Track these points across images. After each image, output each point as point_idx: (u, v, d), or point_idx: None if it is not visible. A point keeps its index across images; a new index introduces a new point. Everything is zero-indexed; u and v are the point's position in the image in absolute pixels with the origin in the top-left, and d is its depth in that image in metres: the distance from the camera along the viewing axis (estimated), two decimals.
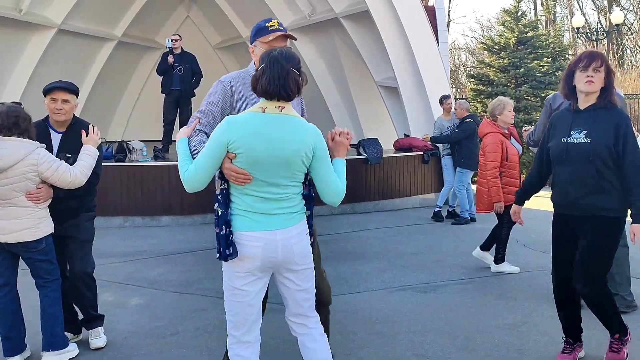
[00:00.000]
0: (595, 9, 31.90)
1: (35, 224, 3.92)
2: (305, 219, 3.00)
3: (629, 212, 3.74)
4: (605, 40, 23.55)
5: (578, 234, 3.84)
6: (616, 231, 3.78)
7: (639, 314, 4.97)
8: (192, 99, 11.07)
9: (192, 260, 7.16)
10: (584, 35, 22.40)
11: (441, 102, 10.22)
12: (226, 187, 2.90)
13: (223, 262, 2.92)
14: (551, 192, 3.98)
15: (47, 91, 4.10)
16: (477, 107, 18.63)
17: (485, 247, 6.62)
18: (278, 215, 2.86)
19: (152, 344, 4.50)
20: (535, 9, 32.31)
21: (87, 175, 4.02)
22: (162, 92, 10.95)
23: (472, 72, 23.40)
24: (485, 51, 20.86)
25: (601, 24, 29.00)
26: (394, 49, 11.53)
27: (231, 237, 2.84)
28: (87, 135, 4.15)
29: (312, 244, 3.05)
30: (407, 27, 11.30)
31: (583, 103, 3.80)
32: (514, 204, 4.27)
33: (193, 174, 2.85)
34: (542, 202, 11.23)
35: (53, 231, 4.05)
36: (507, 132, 6.46)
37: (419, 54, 11.39)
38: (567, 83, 3.88)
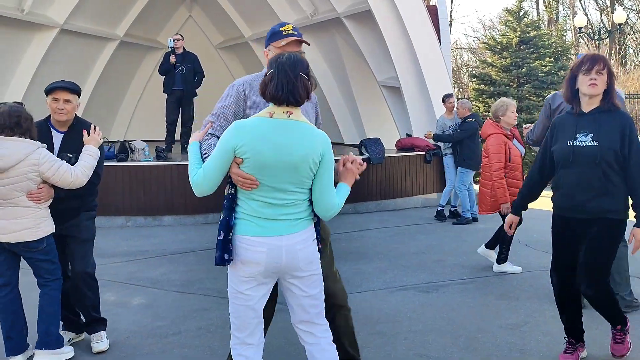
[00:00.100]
0: (597, 8, 31.89)
1: (36, 223, 3.91)
2: (313, 225, 2.97)
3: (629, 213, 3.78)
4: (607, 39, 23.52)
5: (580, 236, 3.83)
6: (620, 233, 3.81)
7: (639, 313, 4.96)
8: (194, 98, 11.08)
9: (194, 260, 7.16)
10: (586, 35, 22.39)
11: (444, 101, 10.21)
12: (233, 192, 2.90)
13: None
14: (552, 195, 3.96)
15: (48, 91, 4.09)
16: (479, 107, 18.61)
17: (490, 245, 6.61)
18: (283, 221, 2.84)
19: (154, 344, 4.51)
20: (537, 8, 32.30)
21: (88, 176, 4.01)
22: (164, 92, 10.96)
23: (474, 72, 23.39)
24: (488, 51, 20.85)
25: (603, 24, 28.98)
26: (396, 48, 11.52)
27: (230, 243, 2.85)
28: (88, 136, 4.14)
29: (320, 250, 3.02)
30: (409, 27, 11.29)
31: (587, 106, 3.80)
32: (510, 214, 4.19)
33: (202, 178, 2.87)
34: (544, 202, 11.23)
35: (54, 231, 4.05)
36: (509, 133, 6.46)
37: (421, 53, 11.38)
38: (569, 87, 3.87)
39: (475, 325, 4.84)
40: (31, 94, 11.46)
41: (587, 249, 3.78)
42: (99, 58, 14.29)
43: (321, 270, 3.02)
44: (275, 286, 3.07)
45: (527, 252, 7.37)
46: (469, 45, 36.58)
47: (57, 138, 4.17)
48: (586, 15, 30.11)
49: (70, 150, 4.12)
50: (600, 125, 3.72)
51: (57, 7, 12.29)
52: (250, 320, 2.95)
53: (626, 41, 30.11)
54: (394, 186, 10.89)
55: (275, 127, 2.77)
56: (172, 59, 10.60)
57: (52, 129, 4.18)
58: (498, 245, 6.52)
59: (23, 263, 4.07)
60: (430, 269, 6.61)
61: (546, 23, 29.78)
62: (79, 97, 4.21)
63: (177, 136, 11.20)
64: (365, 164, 3.11)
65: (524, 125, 5.81)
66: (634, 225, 3.71)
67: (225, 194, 2.92)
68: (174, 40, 10.68)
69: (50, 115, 4.18)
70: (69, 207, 4.13)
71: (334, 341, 3.42)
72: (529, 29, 18.73)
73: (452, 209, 9.82)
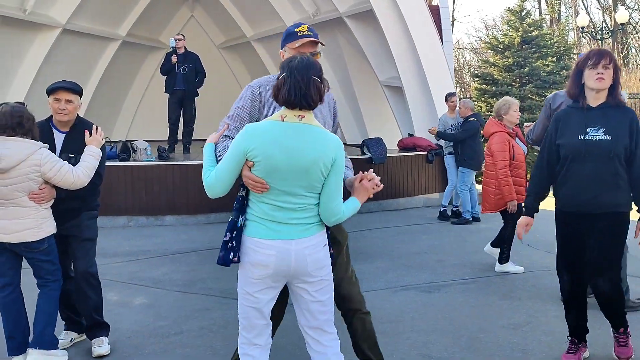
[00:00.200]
0: (600, 8, 31.84)
1: (37, 224, 3.91)
2: (324, 230, 2.95)
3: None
4: (610, 39, 23.48)
5: (585, 232, 3.83)
6: (627, 225, 3.87)
7: (639, 314, 4.95)
8: (195, 98, 11.08)
9: (196, 259, 7.16)
10: (588, 35, 22.36)
11: (446, 100, 10.20)
12: (244, 194, 2.90)
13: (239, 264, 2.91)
14: (557, 191, 3.91)
15: (50, 91, 4.09)
16: (481, 107, 18.61)
17: (496, 244, 6.61)
18: (294, 225, 2.83)
19: (156, 344, 4.51)
20: (539, 8, 32.27)
21: (89, 176, 4.00)
22: (165, 92, 10.97)
23: (476, 72, 23.38)
24: (490, 50, 20.83)
25: (606, 23, 28.94)
26: (398, 48, 11.51)
27: (234, 244, 2.86)
28: (90, 136, 4.13)
29: (332, 255, 3.00)
30: (411, 27, 11.29)
31: (594, 101, 3.80)
32: (525, 216, 4.02)
33: (214, 180, 2.87)
34: (545, 201, 11.22)
35: (55, 231, 4.04)
36: (512, 131, 6.46)
37: (423, 53, 11.37)
38: (575, 82, 3.86)
39: (477, 325, 4.83)
40: (33, 94, 11.47)
41: (599, 244, 3.79)
42: (101, 58, 14.30)
43: (332, 277, 2.99)
44: (286, 288, 3.04)
45: (529, 252, 7.36)
46: (471, 45, 36.58)
47: (59, 138, 4.16)
48: (588, 14, 30.10)
49: (72, 151, 4.11)
50: (610, 119, 3.74)
51: (59, 7, 12.30)
52: (258, 322, 2.95)
53: (628, 41, 30.07)
54: (395, 186, 10.89)
55: (286, 130, 2.77)
56: (174, 58, 10.60)
57: (54, 129, 4.17)
58: (504, 249, 6.51)
59: (25, 263, 4.07)
60: (432, 269, 6.61)
61: (548, 23, 29.75)
62: (80, 97, 4.20)
63: (180, 136, 11.20)
64: (382, 185, 3.06)
65: (525, 124, 5.80)
66: (639, 220, 3.76)
67: (237, 195, 2.92)
68: (175, 40, 10.68)
69: (52, 116, 4.18)
70: (70, 207, 4.12)
71: (354, 344, 3.43)
72: (531, 28, 18.72)
73: (454, 209, 9.81)
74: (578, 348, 4.05)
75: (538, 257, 7.08)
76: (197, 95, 11.06)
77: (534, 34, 18.54)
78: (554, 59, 18.20)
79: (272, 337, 3.11)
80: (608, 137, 3.69)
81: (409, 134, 11.89)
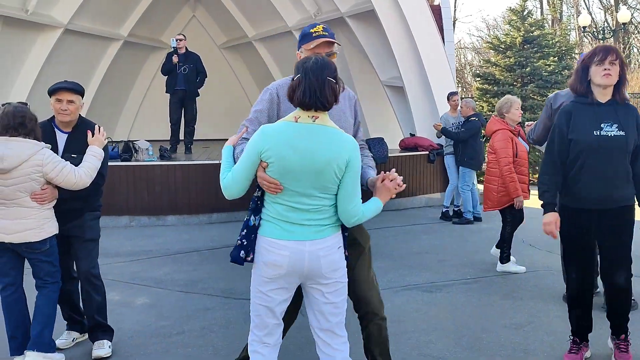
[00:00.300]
0: (601, 7, 31.80)
1: (39, 224, 3.90)
2: (339, 232, 2.94)
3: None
4: (611, 39, 23.45)
5: (592, 228, 3.83)
6: (634, 218, 3.90)
7: (639, 313, 4.94)
8: (196, 98, 11.10)
9: (198, 259, 7.17)
10: (590, 34, 22.33)
11: (448, 99, 10.19)
12: (259, 195, 2.91)
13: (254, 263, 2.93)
14: (567, 188, 3.84)
15: (52, 92, 4.08)
16: (482, 107, 18.58)
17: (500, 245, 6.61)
18: (308, 226, 2.83)
19: (158, 343, 4.52)
20: (541, 7, 32.21)
21: (92, 177, 3.99)
22: (166, 92, 10.99)
23: (478, 71, 23.36)
24: (491, 50, 20.79)
25: (608, 23, 28.91)
26: (399, 48, 11.51)
27: (244, 242, 2.87)
28: (92, 136, 4.13)
29: (347, 257, 3.00)
30: (413, 27, 11.28)
31: (602, 97, 3.81)
32: (551, 213, 3.84)
33: (230, 181, 2.88)
34: None
35: (57, 232, 4.04)
36: (515, 129, 6.46)
37: (424, 53, 11.37)
38: (581, 78, 3.85)
39: (479, 325, 4.83)
40: (35, 94, 11.48)
41: (614, 239, 3.83)
42: (103, 58, 14.31)
43: (346, 279, 2.98)
44: (300, 291, 3.04)
45: (531, 251, 7.36)
46: (473, 45, 36.55)
47: (61, 139, 4.16)
48: (590, 14, 30.04)
49: (75, 151, 4.11)
50: (620, 116, 3.76)
51: (61, 7, 12.31)
52: (270, 321, 2.96)
53: (630, 40, 30.03)
54: None
55: (299, 131, 2.77)
56: (175, 59, 10.62)
57: (56, 129, 4.17)
58: (504, 248, 6.51)
59: (26, 263, 4.07)
60: (434, 269, 6.61)
61: (550, 22, 29.72)
62: (82, 98, 4.20)
63: (182, 136, 11.22)
64: (404, 185, 3.05)
65: (527, 123, 5.80)
66: None
67: (253, 195, 2.94)
68: (176, 41, 10.69)
69: (54, 116, 4.17)
70: (73, 207, 4.11)
71: (365, 347, 3.41)
72: (533, 28, 18.68)
73: (456, 209, 9.80)
74: (580, 348, 4.04)
75: (540, 257, 7.08)
76: (198, 95, 11.08)
77: (535, 33, 18.50)
78: (556, 58, 18.16)
79: (282, 337, 3.11)
80: (622, 133, 3.72)
81: (410, 133, 11.89)
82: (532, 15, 20.60)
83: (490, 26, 35.58)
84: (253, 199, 2.93)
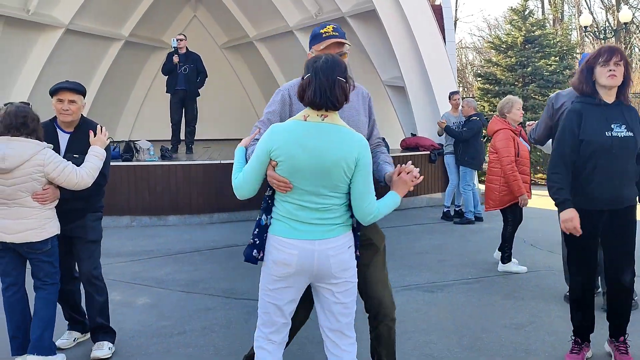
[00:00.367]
0: (603, 7, 31.77)
1: (41, 224, 3.89)
2: (350, 232, 2.93)
3: None
4: (613, 38, 23.42)
5: (604, 228, 3.83)
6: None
7: (639, 313, 4.94)
8: (197, 98, 11.11)
9: (199, 259, 7.17)
10: (591, 34, 22.31)
11: (449, 98, 10.19)
12: (270, 194, 2.92)
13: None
14: (580, 189, 3.79)
15: (53, 92, 4.08)
16: (484, 107, 18.57)
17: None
18: (318, 225, 2.82)
19: (159, 343, 4.52)
20: (542, 7, 32.19)
21: (93, 177, 3.99)
22: (166, 92, 11.01)
23: (479, 71, 23.35)
24: (493, 50, 20.78)
25: (609, 23, 28.88)
26: (400, 48, 11.51)
27: (257, 241, 2.88)
28: (94, 136, 4.12)
29: (357, 257, 2.99)
30: (414, 26, 11.28)
31: (608, 97, 3.81)
32: (569, 210, 3.73)
33: (241, 181, 2.90)
34: (548, 200, 11.19)
35: (59, 232, 4.03)
36: (516, 129, 6.47)
37: (425, 53, 11.37)
38: (586, 78, 3.84)
39: (479, 325, 4.83)
40: (37, 94, 11.50)
41: (621, 239, 3.85)
42: (104, 58, 14.33)
43: (356, 279, 2.98)
44: (312, 295, 3.04)
45: (532, 251, 7.36)
46: (474, 45, 36.52)
47: (63, 139, 4.15)
48: (591, 14, 30.03)
49: (77, 151, 4.09)
50: (625, 116, 3.77)
51: (62, 8, 12.33)
52: (277, 319, 2.97)
53: (632, 40, 30.00)
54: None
55: (308, 130, 2.77)
56: (175, 59, 10.64)
57: (58, 129, 4.16)
58: (506, 248, 6.50)
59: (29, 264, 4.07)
60: (435, 269, 6.61)
61: (551, 22, 29.69)
62: (84, 97, 4.19)
63: (183, 136, 11.22)
64: (422, 177, 3.03)
65: (528, 123, 5.80)
66: None
67: (264, 195, 2.96)
68: (177, 41, 10.71)
69: (56, 116, 4.17)
70: (74, 208, 4.10)
71: (372, 348, 3.41)
72: (534, 28, 18.67)
73: (457, 209, 9.80)
74: (581, 348, 4.05)
75: (541, 257, 7.07)
76: (199, 95, 11.09)
77: (536, 33, 18.49)
78: (557, 58, 18.15)
79: (291, 339, 3.11)
80: (631, 134, 3.73)
81: (411, 133, 11.89)
82: (534, 14, 20.57)
83: (491, 26, 35.54)
84: (264, 198, 2.94)
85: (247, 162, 3.03)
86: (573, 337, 4.08)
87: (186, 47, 10.81)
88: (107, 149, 4.19)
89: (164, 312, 5.25)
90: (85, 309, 4.44)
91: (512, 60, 18.36)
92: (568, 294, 5.24)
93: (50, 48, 12.28)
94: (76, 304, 4.49)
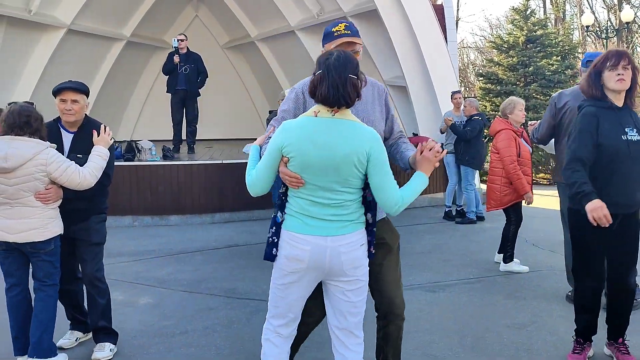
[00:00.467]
0: (605, 7, 31.71)
1: (43, 224, 3.88)
2: (363, 229, 2.92)
3: None
4: (615, 38, 23.40)
5: (617, 231, 3.80)
6: None
7: (639, 312, 4.94)
8: (198, 98, 11.12)
9: (201, 259, 7.18)
10: (593, 34, 22.29)
11: (451, 97, 10.19)
12: (284, 191, 2.93)
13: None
14: (600, 193, 3.66)
15: (56, 92, 4.07)
16: (485, 106, 18.57)
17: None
18: (331, 221, 2.82)
19: (161, 343, 4.52)
20: (544, 7, 32.16)
21: (96, 177, 3.98)
22: (167, 92, 11.03)
23: (480, 71, 23.35)
24: (494, 50, 20.80)
25: (611, 22, 28.86)
26: (402, 47, 11.50)
27: (275, 239, 2.88)
28: (98, 136, 4.11)
29: (372, 254, 2.98)
30: (416, 26, 11.27)
31: (618, 101, 3.80)
32: (596, 200, 3.60)
33: (254, 178, 2.92)
34: (550, 201, 11.19)
35: (62, 232, 4.01)
36: (518, 130, 6.48)
37: (427, 52, 11.36)
38: (595, 83, 3.82)
39: (481, 325, 4.83)
40: (39, 94, 11.50)
41: (630, 242, 3.86)
42: (106, 58, 14.33)
43: (367, 278, 2.98)
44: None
45: (534, 251, 7.35)
46: (476, 44, 36.48)
47: (67, 138, 4.14)
48: (593, 13, 29.98)
49: (81, 151, 4.08)
50: (634, 120, 3.78)
51: (64, 8, 12.33)
52: (287, 314, 2.98)
53: (634, 40, 29.96)
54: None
55: (319, 125, 2.78)
56: (176, 59, 10.65)
57: (62, 129, 4.15)
58: (508, 247, 6.50)
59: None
60: (437, 269, 6.61)
61: (553, 22, 29.66)
62: (87, 97, 4.17)
63: (184, 136, 11.23)
64: (445, 150, 3.00)
65: (530, 123, 5.81)
66: None
67: (278, 192, 2.97)
68: (178, 41, 10.73)
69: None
70: (76, 208, 4.08)
71: (378, 347, 3.41)
72: (536, 27, 18.68)
73: (459, 209, 9.79)
74: (583, 348, 4.05)
75: (543, 257, 7.07)
76: (199, 95, 11.11)
77: (538, 33, 18.50)
78: (559, 58, 18.15)
79: (305, 338, 3.13)
80: None
81: (413, 133, 11.88)
82: (535, 14, 20.57)
83: (493, 25, 35.51)
84: (279, 196, 2.95)
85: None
86: (575, 337, 4.08)
87: (187, 47, 10.82)
88: (110, 148, 4.18)
89: (166, 312, 5.25)
90: (88, 313, 4.42)
91: (514, 59, 18.37)
92: (570, 294, 5.25)
93: (52, 48, 12.29)
94: (79, 304, 4.49)
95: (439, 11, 12.39)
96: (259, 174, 2.90)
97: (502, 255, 6.57)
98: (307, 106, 3.24)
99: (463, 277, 6.25)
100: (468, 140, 9.33)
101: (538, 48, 18.31)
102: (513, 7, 19.60)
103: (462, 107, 9.87)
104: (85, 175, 3.91)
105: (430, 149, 2.95)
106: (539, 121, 5.46)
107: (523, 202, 6.39)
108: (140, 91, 16.47)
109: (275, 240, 2.90)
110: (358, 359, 3.00)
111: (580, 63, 4.78)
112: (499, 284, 6.02)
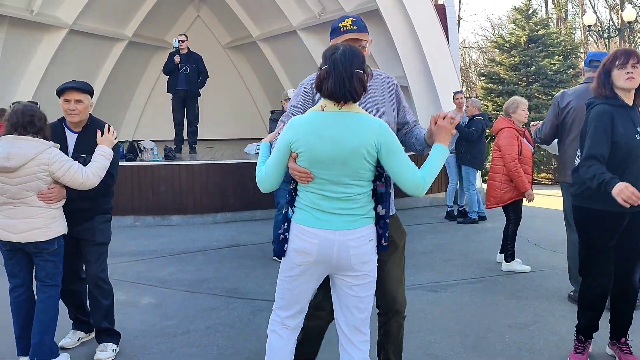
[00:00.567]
0: (607, 6, 31.68)
1: (46, 223, 3.87)
2: (373, 224, 2.91)
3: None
4: (617, 38, 23.38)
5: (629, 229, 3.80)
6: None
7: (638, 312, 4.93)
8: (198, 98, 11.13)
9: (202, 259, 7.18)
10: (595, 33, 22.27)
11: (453, 97, 10.19)
12: (294, 186, 2.94)
13: None
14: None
15: (60, 92, 4.06)
16: (487, 106, 18.57)
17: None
18: (340, 215, 2.82)
19: (162, 343, 4.52)
20: (546, 6, 32.14)
21: (100, 177, 3.96)
22: (167, 92, 11.05)
23: (482, 71, 23.35)
24: (496, 49, 20.79)
25: (613, 22, 28.83)
26: (403, 47, 11.50)
27: (286, 235, 2.89)
28: (102, 135, 4.10)
29: (385, 246, 2.96)
30: (417, 26, 11.27)
31: (628, 100, 3.80)
32: (619, 182, 3.41)
33: (264, 174, 2.94)
34: (551, 200, 11.18)
35: (66, 232, 4.00)
36: (521, 129, 6.49)
37: (429, 52, 11.36)
38: (605, 82, 3.80)
39: (483, 324, 4.83)
40: (41, 94, 11.52)
41: (627, 234, 3.82)
42: (107, 58, 14.35)
43: (375, 274, 2.98)
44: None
45: (536, 251, 7.35)
46: (478, 44, 36.49)
47: (72, 138, 4.13)
48: (595, 13, 29.96)
49: (85, 151, 4.07)
50: None
51: (66, 8, 12.35)
52: (293, 306, 3.00)
53: (636, 39, 29.93)
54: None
55: (326, 120, 2.78)
56: (177, 59, 10.67)
57: (66, 129, 4.14)
58: (509, 246, 6.50)
59: None
60: (439, 269, 6.60)
61: (555, 21, 29.65)
62: (91, 97, 4.16)
63: (186, 136, 11.24)
64: (457, 116, 2.99)
65: (532, 123, 5.81)
66: None
67: (288, 188, 2.99)
68: (179, 41, 10.74)
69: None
70: (81, 208, 4.07)
71: (379, 344, 3.41)
72: (538, 27, 18.67)
73: (460, 208, 9.79)
74: (585, 347, 4.04)
75: (545, 257, 7.07)
76: (200, 95, 11.13)
77: (540, 32, 18.49)
78: (561, 57, 18.15)
79: (324, 333, 3.15)
80: None
81: None
82: (537, 14, 20.57)
83: (495, 25, 35.53)
84: (289, 191, 2.96)
85: None
86: (576, 336, 4.08)
87: (187, 48, 10.83)
88: (115, 148, 4.16)
89: (168, 312, 5.25)
90: (91, 314, 4.41)
91: (516, 59, 18.36)
92: (572, 294, 5.25)
93: (54, 48, 12.31)
94: (82, 304, 4.48)
95: (441, 11, 12.38)
96: (268, 171, 2.91)
97: (503, 255, 6.58)
98: (315, 100, 3.22)
99: (465, 277, 6.25)
100: (471, 140, 9.32)
101: (540, 48, 18.31)
102: (515, 6, 19.60)
103: (464, 107, 9.87)
104: (88, 175, 3.90)
105: (445, 118, 2.95)
106: (542, 121, 5.45)
107: (524, 200, 6.40)
108: (142, 91, 16.49)
109: (287, 236, 2.91)
110: (363, 357, 3.00)
111: (582, 63, 4.78)
112: (500, 283, 6.02)
